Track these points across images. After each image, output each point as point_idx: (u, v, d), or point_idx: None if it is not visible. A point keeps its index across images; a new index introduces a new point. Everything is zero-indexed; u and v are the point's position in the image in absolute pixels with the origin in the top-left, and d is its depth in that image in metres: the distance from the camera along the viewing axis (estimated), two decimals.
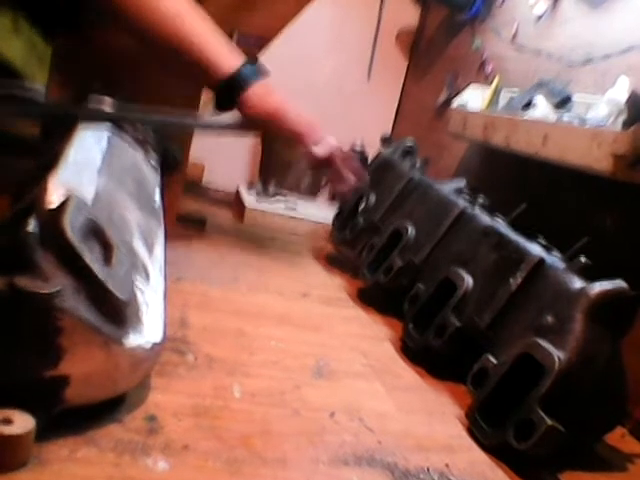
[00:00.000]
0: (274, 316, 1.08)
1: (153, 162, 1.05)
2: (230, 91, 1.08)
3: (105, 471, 0.56)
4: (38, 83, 1.33)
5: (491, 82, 1.64)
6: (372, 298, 1.29)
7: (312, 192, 2.24)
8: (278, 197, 1.95)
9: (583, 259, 0.89)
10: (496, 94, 1.60)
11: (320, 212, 1.89)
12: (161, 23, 1.02)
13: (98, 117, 0.92)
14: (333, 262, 1.54)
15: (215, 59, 1.06)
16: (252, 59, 1.11)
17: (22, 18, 1.29)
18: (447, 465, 0.74)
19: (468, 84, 1.74)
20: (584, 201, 1.28)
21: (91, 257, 0.58)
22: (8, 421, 0.52)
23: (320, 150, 1.20)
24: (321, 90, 2.28)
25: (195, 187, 2.05)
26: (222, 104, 1.11)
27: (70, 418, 0.58)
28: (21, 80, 1.25)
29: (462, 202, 1.18)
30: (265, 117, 1.11)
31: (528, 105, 1.36)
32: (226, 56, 1.07)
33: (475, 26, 1.92)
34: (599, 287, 0.83)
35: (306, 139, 1.18)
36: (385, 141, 1.64)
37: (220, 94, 1.09)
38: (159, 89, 1.17)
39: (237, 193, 1.97)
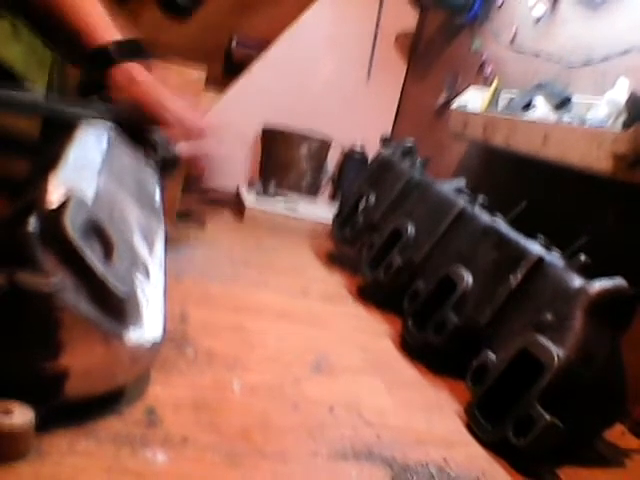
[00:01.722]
0: (274, 312, 1.08)
1: (153, 160, 1.05)
2: (96, 65, 1.01)
3: (104, 463, 0.56)
4: (38, 87, 1.33)
5: (490, 84, 1.65)
6: (372, 295, 1.29)
7: (312, 192, 2.25)
8: (278, 197, 1.95)
9: (583, 257, 0.89)
10: (495, 95, 1.60)
11: (320, 211, 1.89)
12: None
13: None
14: (333, 260, 1.54)
15: (89, 29, 1.00)
16: (134, 41, 1.04)
17: (21, 24, 1.29)
18: (446, 460, 0.74)
19: (467, 86, 1.74)
20: (584, 201, 1.28)
21: (91, 254, 0.58)
22: (8, 412, 0.53)
23: (184, 148, 1.08)
24: (321, 91, 2.29)
25: (195, 185, 2.05)
26: (88, 83, 1.04)
27: (69, 411, 0.59)
28: (21, 84, 1.26)
29: (462, 201, 1.19)
30: (129, 101, 1.01)
31: (528, 106, 1.37)
32: (102, 29, 1.01)
33: (474, 28, 1.92)
34: (599, 285, 0.83)
35: (171, 132, 1.05)
36: (385, 141, 1.64)
37: (87, 68, 1.03)
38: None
39: (237, 192, 1.98)
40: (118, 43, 1.01)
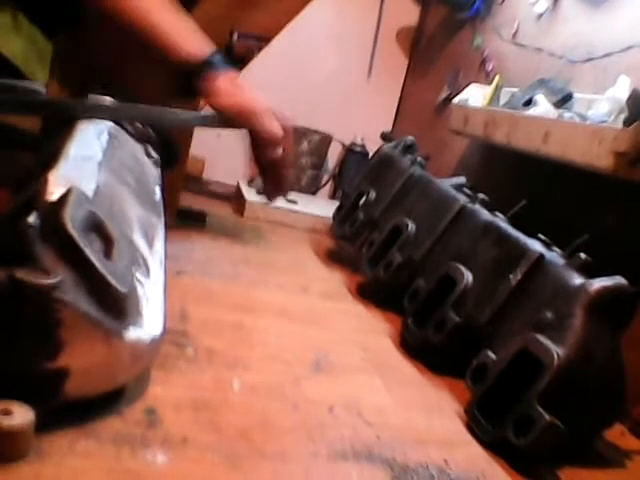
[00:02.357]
0: (274, 310, 1.08)
1: (153, 157, 1.05)
2: (195, 77, 1.07)
3: (104, 463, 0.56)
4: (39, 81, 1.33)
5: (492, 81, 1.64)
6: (372, 293, 1.29)
7: (313, 188, 2.25)
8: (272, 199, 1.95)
9: (583, 256, 0.89)
10: (497, 92, 1.60)
11: (320, 207, 1.89)
12: (129, 8, 1.04)
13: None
14: (333, 257, 1.54)
15: (183, 44, 1.06)
16: (224, 51, 1.11)
17: (22, 15, 1.29)
18: (446, 460, 0.74)
19: (469, 83, 1.73)
20: (584, 198, 1.28)
21: (91, 250, 0.58)
22: (8, 413, 0.52)
23: (279, 153, 1.15)
24: (322, 88, 2.28)
25: (195, 182, 2.05)
26: (186, 91, 1.10)
27: (70, 410, 0.58)
28: (22, 78, 1.25)
29: (462, 198, 1.19)
30: (233, 111, 1.09)
31: (529, 103, 1.36)
32: (196, 43, 1.08)
33: (475, 24, 1.92)
34: (599, 283, 0.83)
35: (275, 139, 1.13)
36: (386, 138, 1.63)
37: (185, 80, 1.08)
38: (155, 86, 1.18)
39: (237, 188, 1.97)
40: (212, 55, 1.08)
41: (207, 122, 1.13)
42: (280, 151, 1.14)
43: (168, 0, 1.08)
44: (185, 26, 1.09)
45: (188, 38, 1.08)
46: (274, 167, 1.18)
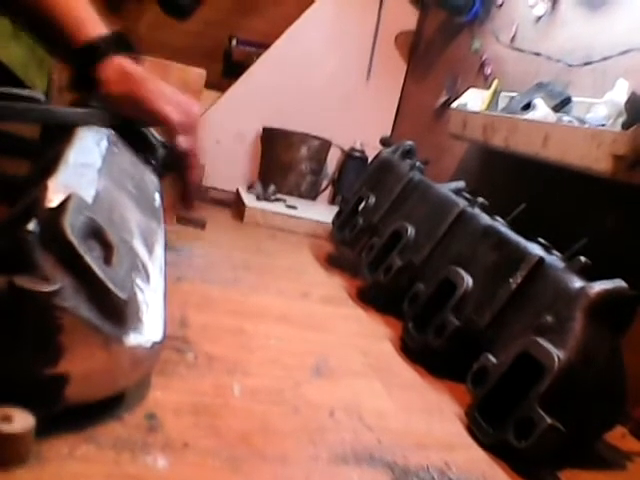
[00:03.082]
0: (274, 315, 1.08)
1: (153, 162, 1.05)
2: (85, 61, 0.96)
3: (105, 469, 0.56)
4: (38, 88, 1.33)
5: (490, 85, 1.65)
6: (372, 297, 1.29)
7: (312, 193, 2.25)
8: (278, 199, 1.95)
9: (583, 259, 0.89)
10: (495, 96, 1.60)
11: (320, 212, 1.89)
12: None
13: None
14: (333, 262, 1.54)
15: (76, 23, 0.96)
16: (121, 34, 1.00)
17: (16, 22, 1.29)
18: (446, 463, 0.74)
19: (467, 87, 1.74)
20: (584, 202, 1.28)
21: (91, 257, 0.58)
22: (8, 419, 0.52)
23: (184, 142, 1.00)
24: (320, 91, 2.29)
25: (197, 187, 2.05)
26: (78, 79, 0.98)
27: (70, 416, 0.58)
28: (21, 85, 1.26)
29: (462, 202, 1.19)
30: (122, 99, 0.96)
31: (527, 107, 1.37)
32: (89, 23, 0.97)
33: (474, 28, 1.93)
34: (599, 287, 0.83)
35: (172, 125, 0.98)
36: (385, 143, 1.64)
37: (76, 65, 0.98)
38: None
39: (237, 194, 1.97)
40: (105, 37, 0.97)
41: (93, 121, 0.95)
42: (183, 141, 1.00)
43: None
44: (82, 8, 0.98)
45: (84, 21, 0.97)
46: (181, 160, 1.03)
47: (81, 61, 0.96)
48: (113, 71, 0.95)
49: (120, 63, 0.97)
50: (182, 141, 0.99)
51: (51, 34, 0.97)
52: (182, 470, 0.60)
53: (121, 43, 0.98)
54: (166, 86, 1.00)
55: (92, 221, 0.62)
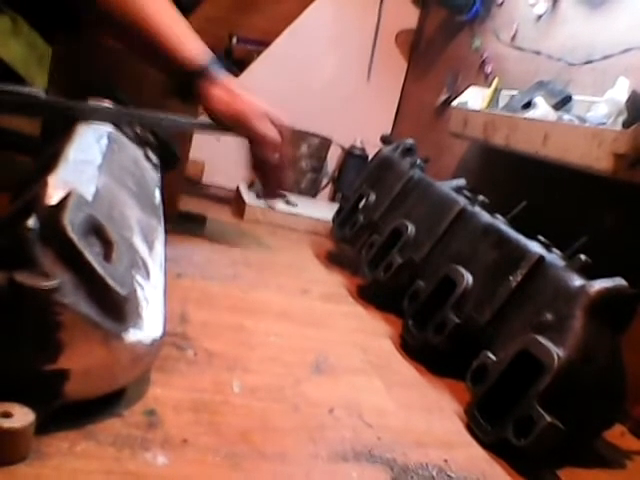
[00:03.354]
0: (274, 312, 1.08)
1: (153, 160, 1.05)
2: (193, 83, 1.09)
3: (104, 465, 0.56)
4: (38, 85, 1.33)
5: (491, 83, 1.65)
6: (372, 295, 1.29)
7: (312, 191, 2.25)
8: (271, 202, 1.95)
9: (583, 257, 0.89)
10: (496, 94, 1.60)
11: (320, 210, 1.89)
12: (131, 9, 1.05)
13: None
14: (333, 259, 1.54)
15: (182, 49, 1.07)
16: (218, 58, 1.13)
17: (21, 19, 1.29)
18: (446, 461, 0.74)
19: (468, 85, 1.74)
20: (584, 200, 1.28)
21: (91, 253, 0.58)
22: (8, 415, 0.52)
23: (276, 156, 1.18)
24: (321, 89, 2.29)
25: (195, 185, 2.05)
26: (184, 96, 1.12)
27: (70, 412, 0.58)
28: (21, 82, 1.26)
29: (462, 200, 1.19)
30: (229, 118, 1.11)
31: (528, 105, 1.37)
32: (194, 47, 1.09)
33: (474, 27, 1.92)
34: (599, 285, 0.83)
35: (269, 143, 1.16)
36: (385, 140, 1.64)
37: (183, 85, 1.10)
38: (154, 90, 1.18)
39: (237, 191, 1.97)
40: (210, 61, 1.09)
41: (204, 128, 1.14)
42: (277, 155, 1.17)
43: (169, 3, 1.09)
44: (184, 30, 1.09)
45: (187, 42, 1.09)
46: (271, 170, 1.20)
47: (188, 76, 1.08)
48: (222, 91, 1.10)
49: (229, 84, 1.11)
50: (275, 155, 1.17)
51: (154, 50, 1.07)
52: (182, 467, 0.60)
53: (221, 64, 1.12)
54: (265, 105, 1.15)
55: (92, 218, 0.62)
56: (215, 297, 1.07)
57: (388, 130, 2.35)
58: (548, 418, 0.74)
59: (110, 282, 0.58)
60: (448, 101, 1.91)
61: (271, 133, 1.14)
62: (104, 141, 0.85)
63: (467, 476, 0.72)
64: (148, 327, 0.64)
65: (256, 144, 1.16)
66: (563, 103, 1.33)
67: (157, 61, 1.11)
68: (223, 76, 1.11)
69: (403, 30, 2.34)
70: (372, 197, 1.45)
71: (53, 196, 0.60)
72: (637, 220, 1.13)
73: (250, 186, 1.99)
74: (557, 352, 0.79)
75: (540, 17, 1.59)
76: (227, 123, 1.12)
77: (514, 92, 1.51)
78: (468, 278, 1.02)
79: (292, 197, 1.91)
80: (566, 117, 1.24)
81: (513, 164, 1.47)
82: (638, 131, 0.96)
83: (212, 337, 0.90)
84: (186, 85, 1.10)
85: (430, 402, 0.90)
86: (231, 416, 0.71)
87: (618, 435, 0.94)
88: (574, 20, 1.47)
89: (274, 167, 1.19)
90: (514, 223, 1.08)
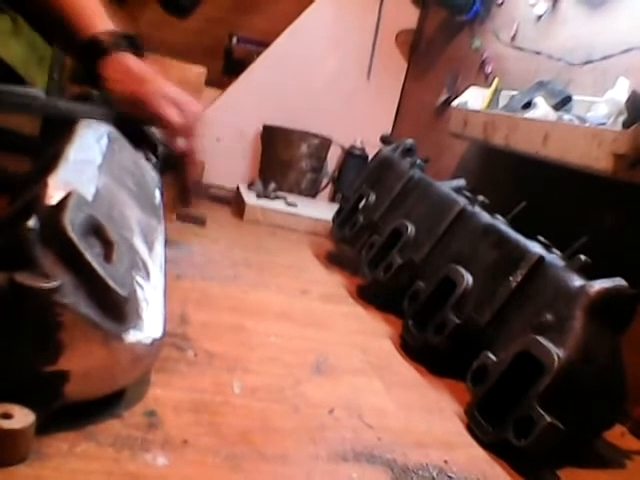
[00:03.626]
0: (274, 313, 1.08)
1: (153, 160, 1.05)
2: (90, 55, 0.98)
3: (104, 466, 0.56)
4: (38, 85, 1.33)
5: (491, 83, 1.65)
6: (372, 295, 1.29)
7: (312, 191, 2.25)
8: (278, 196, 1.95)
9: (583, 257, 0.89)
10: (496, 94, 1.60)
11: (320, 210, 1.89)
12: None
13: None
14: (333, 259, 1.55)
15: (83, 19, 0.98)
16: (128, 34, 1.02)
17: (21, 19, 1.29)
18: (446, 461, 0.74)
19: (468, 86, 1.74)
20: (584, 200, 1.28)
21: (91, 254, 0.58)
22: (8, 416, 0.52)
23: (183, 143, 1.04)
24: (321, 89, 2.29)
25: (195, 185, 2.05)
26: (83, 74, 1.01)
27: (70, 413, 0.58)
28: (22, 83, 1.26)
29: (462, 201, 1.19)
30: (125, 98, 0.98)
31: (528, 105, 1.37)
32: (96, 19, 0.99)
33: (474, 27, 1.92)
34: (599, 285, 0.83)
35: (171, 126, 1.01)
36: (385, 140, 1.64)
37: (80, 59, 1.00)
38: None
39: (237, 191, 1.97)
40: (110, 33, 0.98)
41: (96, 115, 0.96)
42: (182, 142, 1.04)
43: None
44: (90, 7, 1.00)
45: (90, 19, 0.99)
46: (179, 163, 1.07)
47: (86, 55, 0.97)
48: (116, 68, 0.97)
49: (124, 60, 0.98)
50: (181, 142, 1.02)
51: (57, 28, 0.99)
52: (182, 468, 0.60)
53: (129, 41, 1.00)
54: (168, 85, 1.01)
55: (92, 218, 0.62)
56: (215, 298, 1.07)
57: (388, 130, 2.35)
58: (548, 418, 0.74)
59: (110, 283, 0.58)
60: (448, 101, 1.91)
61: (172, 115, 1.00)
62: (104, 141, 0.84)
63: (467, 477, 0.72)
64: (148, 328, 0.64)
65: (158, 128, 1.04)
66: (563, 103, 1.33)
67: (61, 40, 1.03)
68: (122, 53, 0.99)
69: (403, 30, 2.34)
70: (372, 197, 1.45)
71: (53, 196, 0.60)
72: (637, 220, 1.13)
73: (250, 186, 1.99)
74: (557, 352, 0.79)
75: (540, 17, 1.59)
76: (125, 105, 0.98)
77: (514, 92, 1.51)
78: (468, 278, 1.02)
79: (292, 197, 1.91)
80: (566, 117, 1.24)
81: (513, 164, 1.47)
82: (638, 131, 0.96)
83: (212, 338, 0.90)
84: (89, 65, 0.99)
85: (430, 403, 0.90)
86: (231, 417, 0.71)
87: (618, 435, 0.94)
88: (574, 20, 1.47)
89: (180, 158, 1.06)
90: (514, 223, 1.07)
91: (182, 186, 1.11)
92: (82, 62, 1.00)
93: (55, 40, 1.06)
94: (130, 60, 0.99)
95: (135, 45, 1.01)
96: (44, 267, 0.55)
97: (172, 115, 1.00)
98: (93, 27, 0.98)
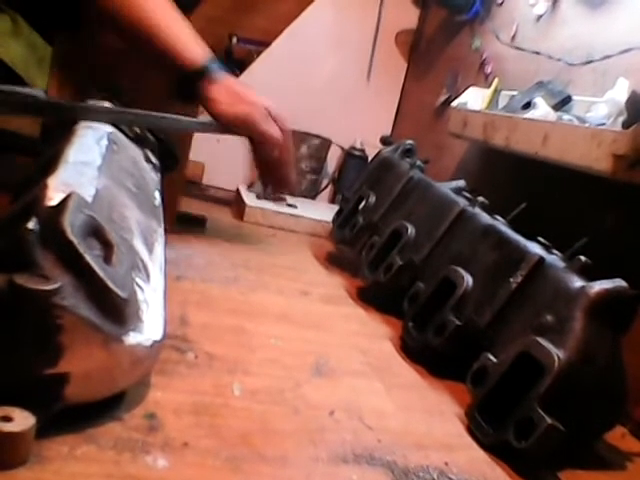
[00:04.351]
0: (274, 314, 1.08)
1: (153, 161, 1.05)
2: (194, 84, 1.09)
3: (105, 469, 0.56)
4: (38, 85, 1.33)
5: (490, 83, 1.65)
6: (372, 297, 1.29)
7: (312, 192, 2.25)
8: (278, 198, 1.95)
9: (583, 258, 0.89)
10: (496, 95, 1.60)
11: (320, 211, 1.89)
12: (132, 8, 1.05)
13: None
14: (333, 261, 1.54)
15: (182, 49, 1.07)
16: (219, 59, 1.13)
17: (21, 19, 1.29)
18: (446, 463, 0.74)
19: (468, 86, 1.74)
20: (584, 201, 1.28)
21: (91, 255, 0.58)
22: (8, 419, 0.52)
23: (281, 155, 1.20)
24: (321, 89, 2.28)
25: (195, 186, 2.05)
26: (185, 96, 1.12)
27: (70, 416, 0.58)
28: (21, 83, 1.26)
29: (462, 201, 1.19)
30: (230, 119, 1.12)
31: (527, 106, 1.36)
32: (195, 48, 1.09)
33: (474, 27, 1.92)
34: (599, 286, 0.83)
35: (274, 143, 1.17)
36: (385, 141, 1.64)
37: (184, 85, 1.10)
38: (154, 90, 1.18)
39: (237, 192, 1.97)
40: (211, 59, 1.09)
41: (206, 129, 1.14)
42: (278, 152, 1.17)
43: (169, 3, 1.09)
44: (185, 30, 1.09)
45: (188, 43, 1.09)
46: (275, 169, 1.21)
47: (192, 79, 1.08)
48: (224, 91, 1.10)
49: (229, 84, 1.11)
50: (276, 153, 1.18)
51: (153, 49, 1.08)
52: (182, 470, 0.60)
53: (223, 64, 1.12)
54: (266, 103, 1.17)
55: (92, 220, 0.62)
56: (215, 299, 1.07)
57: (388, 131, 2.35)
58: (549, 420, 0.74)
59: (110, 285, 0.58)
60: (448, 101, 1.90)
61: (274, 132, 1.15)
62: (104, 142, 0.84)
63: (468, 478, 0.72)
64: (148, 330, 0.64)
65: (260, 144, 1.16)
66: (563, 103, 1.33)
67: (157, 61, 1.11)
68: (224, 76, 1.11)
69: (403, 30, 2.34)
70: (372, 198, 1.45)
71: (53, 198, 0.59)
72: (637, 221, 1.13)
73: (250, 187, 1.99)
74: (557, 354, 0.79)
75: (540, 17, 1.59)
76: (230, 124, 1.12)
77: (514, 92, 1.51)
78: (468, 279, 1.02)
79: (292, 199, 1.91)
80: (566, 117, 1.24)
81: (513, 165, 1.47)
82: (638, 132, 0.96)
83: (212, 340, 0.90)
84: (187, 86, 1.09)
85: (430, 404, 0.90)
86: (231, 419, 0.71)
87: (619, 437, 0.94)
88: (574, 20, 1.47)
89: (278, 165, 1.20)
90: (514, 224, 1.07)
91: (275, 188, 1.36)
92: (181, 82, 1.10)
93: (142, 56, 1.12)
94: (234, 83, 1.13)
95: (228, 68, 1.14)
96: (44, 269, 0.55)
97: (275, 132, 1.15)
98: (194, 53, 1.09)
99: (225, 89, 1.10)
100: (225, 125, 1.12)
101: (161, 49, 1.07)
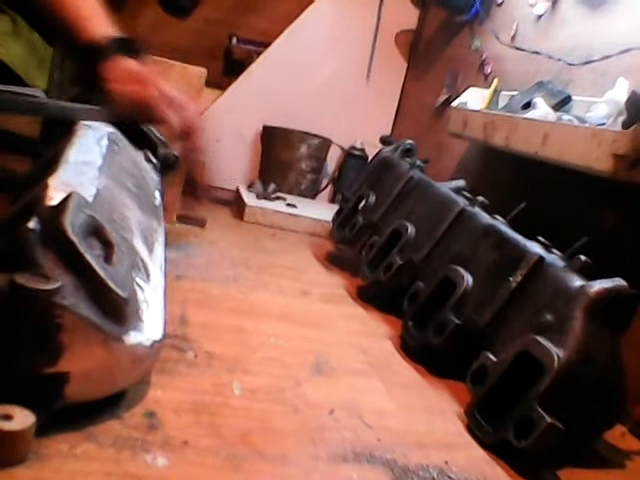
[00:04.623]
0: (274, 313, 1.08)
1: (153, 161, 1.05)
2: (92, 59, 0.99)
3: (104, 467, 0.57)
4: (38, 86, 1.33)
5: (490, 84, 1.65)
6: (372, 296, 1.29)
7: (312, 191, 2.25)
8: (278, 197, 1.95)
9: (582, 258, 0.89)
10: (495, 95, 1.60)
11: (320, 211, 1.89)
12: None
13: None
14: (333, 260, 1.55)
15: (83, 23, 0.99)
16: (129, 38, 1.03)
17: (21, 20, 1.29)
18: (446, 462, 0.74)
19: (468, 86, 1.74)
20: (583, 201, 1.28)
21: (92, 255, 0.58)
22: (8, 417, 0.52)
23: (184, 145, 1.06)
24: (321, 90, 2.28)
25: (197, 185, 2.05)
26: (83, 75, 1.03)
27: (70, 414, 0.58)
28: (22, 84, 1.26)
29: (462, 201, 1.19)
30: (126, 100, 0.99)
31: (527, 106, 1.37)
32: (96, 22, 1.00)
33: (474, 27, 1.92)
34: (598, 285, 0.83)
35: (172, 128, 1.02)
36: (385, 141, 1.64)
37: (82, 61, 1.01)
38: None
39: (237, 192, 1.97)
40: (113, 37, 1.00)
41: (93, 115, 0.97)
42: (183, 144, 1.06)
43: None
44: (91, 7, 1.01)
45: (92, 19, 1.00)
46: (179, 164, 1.09)
47: (87, 58, 0.98)
48: (118, 70, 0.98)
49: (124, 63, 0.99)
50: (181, 143, 1.04)
51: (58, 29, 1.00)
52: (182, 468, 0.60)
53: (130, 45, 1.01)
54: (169, 87, 1.02)
55: (93, 219, 0.62)
56: (215, 299, 1.07)
57: (388, 130, 2.35)
58: (548, 419, 0.74)
59: (111, 284, 0.58)
60: (448, 101, 1.90)
61: (174, 119, 1.02)
62: (104, 142, 0.84)
63: (468, 477, 0.72)
64: (148, 329, 0.64)
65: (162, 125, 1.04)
66: (563, 103, 1.33)
67: (62, 42, 1.05)
68: (127, 59, 1.00)
69: (403, 30, 2.34)
70: (372, 198, 1.45)
71: (54, 198, 0.60)
72: (637, 220, 1.13)
73: (250, 187, 1.99)
74: (557, 353, 0.79)
75: (540, 17, 1.59)
76: (123, 106, 0.99)
77: (514, 92, 1.51)
78: (468, 279, 1.02)
79: (292, 198, 1.91)
80: (566, 117, 1.24)
81: (513, 164, 1.47)
82: (638, 132, 0.96)
83: (212, 339, 0.90)
84: (89, 68, 1.00)
85: (430, 403, 0.90)
86: (231, 418, 0.71)
87: (618, 436, 0.94)
88: (574, 20, 1.47)
89: (183, 157, 1.08)
90: (514, 224, 1.07)
91: (186, 188, 1.15)
92: (83, 64, 1.01)
93: (56, 42, 1.07)
94: (131, 63, 1.00)
95: (135, 49, 1.02)
96: (44, 268, 0.55)
97: (172, 116, 1.01)
98: (94, 31, 0.99)
99: (120, 68, 0.99)
100: (119, 107, 0.98)
101: (66, 24, 0.99)
